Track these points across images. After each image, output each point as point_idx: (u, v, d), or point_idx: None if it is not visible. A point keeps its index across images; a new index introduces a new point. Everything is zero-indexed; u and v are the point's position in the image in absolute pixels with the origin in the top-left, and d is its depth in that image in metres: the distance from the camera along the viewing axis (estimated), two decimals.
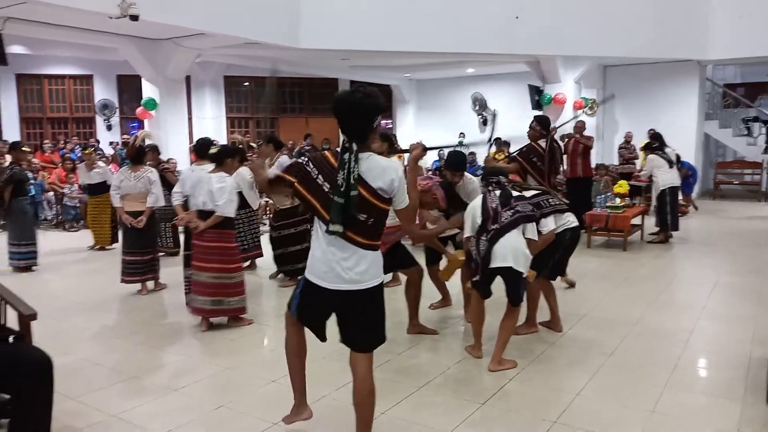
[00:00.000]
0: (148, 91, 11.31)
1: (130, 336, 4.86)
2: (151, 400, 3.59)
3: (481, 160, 14.08)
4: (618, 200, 8.56)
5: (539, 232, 4.12)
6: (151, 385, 3.85)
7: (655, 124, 11.17)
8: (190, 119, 13.44)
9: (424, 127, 16.92)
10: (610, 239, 8.62)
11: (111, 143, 14.55)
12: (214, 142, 5.71)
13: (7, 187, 7.08)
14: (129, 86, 14.87)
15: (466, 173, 4.88)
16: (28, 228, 7.20)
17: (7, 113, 14.74)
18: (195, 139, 12.80)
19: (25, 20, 8.65)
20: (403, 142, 13.82)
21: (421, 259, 4.95)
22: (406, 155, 3.07)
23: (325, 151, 2.73)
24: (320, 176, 2.61)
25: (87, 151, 9.10)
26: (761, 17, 11.75)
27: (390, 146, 6.45)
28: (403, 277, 5.23)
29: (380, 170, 2.60)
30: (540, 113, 9.98)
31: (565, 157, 9.19)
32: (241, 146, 6.65)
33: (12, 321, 3.19)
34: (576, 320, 5.00)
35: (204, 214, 4.84)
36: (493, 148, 13.82)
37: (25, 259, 7.14)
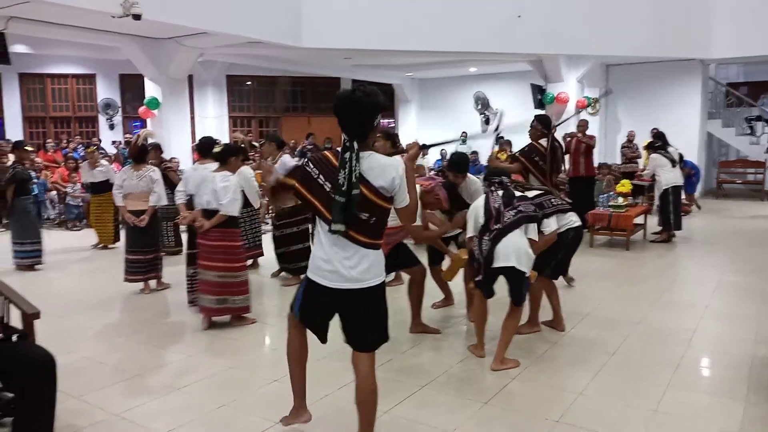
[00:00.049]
0: (151, 90, 11.32)
1: (132, 335, 4.86)
2: (153, 399, 3.60)
3: (483, 159, 14.08)
4: (621, 199, 8.55)
5: (541, 233, 4.12)
6: (154, 384, 3.85)
7: (657, 123, 11.16)
8: (192, 118, 13.48)
9: (427, 126, 16.92)
10: (613, 238, 8.61)
11: (114, 142, 14.57)
12: (217, 141, 5.72)
13: (9, 186, 7.09)
14: (131, 85, 14.90)
15: (468, 174, 4.89)
16: (31, 226, 7.21)
17: (10, 112, 14.79)
18: (197, 138, 12.83)
19: (27, 19, 8.66)
20: (405, 141, 13.83)
21: (423, 258, 4.94)
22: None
23: (326, 151, 2.73)
24: (321, 176, 2.61)
25: (89, 150, 9.11)
26: (765, 16, 11.72)
27: (393, 145, 6.47)
28: (405, 277, 5.22)
29: (381, 169, 2.60)
30: (541, 112, 9.96)
31: (567, 156, 9.20)
32: (242, 145, 6.66)
33: (15, 320, 3.19)
34: (578, 319, 5.00)
35: (208, 213, 4.85)
36: (496, 147, 13.84)
37: (29, 258, 7.15)
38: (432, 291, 5.13)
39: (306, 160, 2.72)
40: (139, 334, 4.88)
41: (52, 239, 8.89)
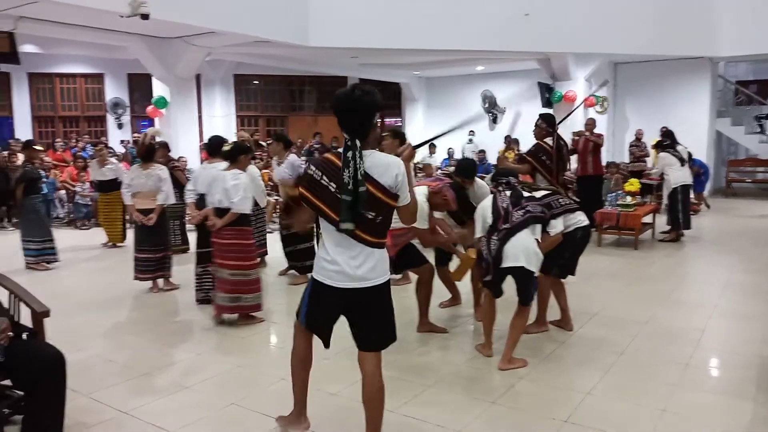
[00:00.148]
0: (159, 89, 11.37)
1: (141, 333, 4.89)
2: (162, 397, 3.62)
3: (491, 159, 14.07)
4: (629, 198, 8.51)
5: (546, 233, 4.11)
6: (162, 382, 3.87)
7: (666, 122, 11.09)
8: (200, 117, 13.51)
9: (434, 125, 16.88)
10: (621, 238, 8.57)
11: (122, 141, 14.65)
12: (226, 141, 5.74)
13: (19, 186, 7.14)
14: (140, 85, 14.96)
15: (476, 179, 4.89)
16: (41, 225, 7.24)
17: (19, 112, 14.89)
18: (205, 137, 12.87)
19: (36, 19, 8.72)
20: (413, 140, 13.82)
21: (431, 258, 4.94)
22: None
23: (327, 153, 2.74)
24: (324, 177, 2.62)
25: (98, 148, 9.16)
26: None
27: (401, 144, 6.47)
28: (413, 276, 5.23)
29: (384, 167, 2.62)
30: (547, 111, 9.93)
31: (575, 155, 9.17)
32: (248, 144, 6.67)
33: (25, 318, 3.22)
34: (586, 319, 4.98)
35: (220, 212, 4.89)
36: (503, 146, 13.81)
37: (41, 256, 7.19)
38: (439, 290, 5.12)
39: (308, 164, 2.73)
40: (148, 332, 4.91)
41: (61, 238, 8.92)
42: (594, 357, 4.19)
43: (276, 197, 9.33)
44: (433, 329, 4.71)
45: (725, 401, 3.52)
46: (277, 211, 9.57)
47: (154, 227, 6.03)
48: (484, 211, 4.09)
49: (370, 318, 2.75)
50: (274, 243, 7.15)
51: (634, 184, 8.92)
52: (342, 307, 2.75)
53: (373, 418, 2.78)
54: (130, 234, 8.42)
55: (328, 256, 2.68)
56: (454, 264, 4.94)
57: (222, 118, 15.92)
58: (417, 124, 17.55)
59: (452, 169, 11.15)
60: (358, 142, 2.56)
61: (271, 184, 9.25)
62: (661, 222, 9.02)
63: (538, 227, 4.02)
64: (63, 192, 11.14)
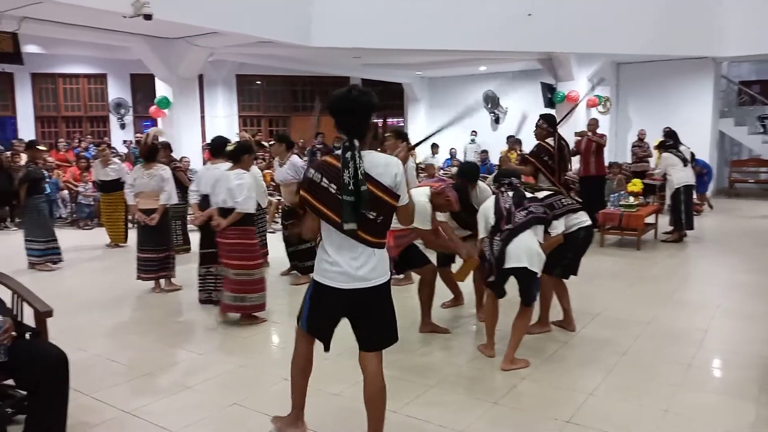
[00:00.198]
0: (162, 89, 11.38)
1: (144, 333, 4.90)
2: (164, 397, 3.62)
3: (494, 160, 14.05)
4: (631, 199, 8.50)
5: (547, 233, 4.11)
6: (165, 382, 3.88)
7: (669, 122, 11.07)
8: (202, 118, 13.53)
9: (436, 125, 16.88)
10: (624, 238, 8.56)
11: (125, 142, 14.67)
12: (229, 141, 5.76)
13: (23, 186, 7.15)
14: (142, 85, 14.98)
15: (479, 182, 4.89)
16: (44, 225, 7.26)
17: (22, 112, 14.92)
18: (207, 137, 12.86)
19: (39, 20, 8.73)
20: (415, 140, 13.79)
21: (433, 258, 4.94)
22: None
23: (325, 156, 2.75)
24: (325, 179, 2.62)
25: (101, 148, 9.18)
26: None
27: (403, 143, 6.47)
28: (416, 276, 5.23)
29: (383, 166, 2.65)
30: (548, 111, 9.92)
31: (578, 155, 9.17)
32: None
33: (28, 318, 3.23)
34: (589, 319, 4.98)
35: (224, 212, 4.90)
36: (506, 147, 13.80)
37: (45, 256, 7.20)
38: (442, 291, 5.12)
39: (307, 167, 2.74)
40: (151, 332, 4.92)
41: (64, 238, 8.94)
42: (596, 357, 4.18)
43: (278, 197, 9.34)
44: (435, 330, 4.71)
45: (728, 402, 3.51)
46: (279, 211, 9.59)
47: (157, 227, 6.04)
48: (486, 211, 4.09)
49: (371, 318, 2.75)
50: (276, 243, 7.15)
51: (636, 185, 8.91)
52: (343, 308, 2.75)
53: (375, 418, 2.78)
54: (132, 234, 8.47)
55: (330, 258, 2.68)
56: (456, 265, 4.94)
57: (224, 119, 15.94)
58: (419, 125, 17.53)
59: (454, 169, 11.16)
60: (356, 142, 2.58)
61: (273, 184, 9.26)
62: (664, 222, 9.00)
63: (541, 228, 4.02)
64: (66, 192, 11.16)
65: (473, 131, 15.94)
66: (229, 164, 5.09)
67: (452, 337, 4.65)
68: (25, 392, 2.92)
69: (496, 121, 16.55)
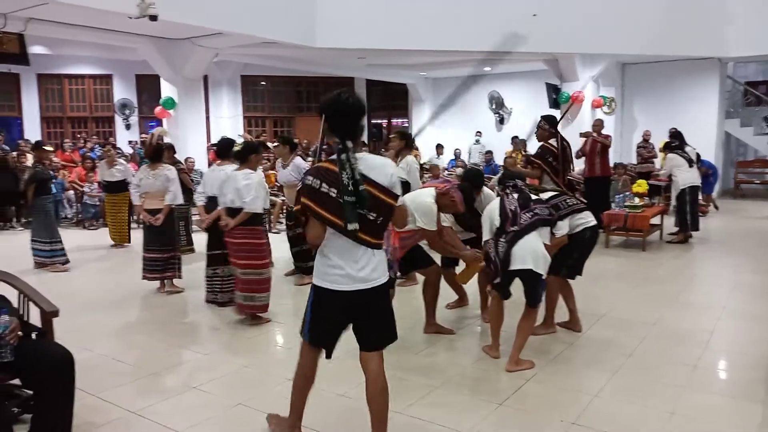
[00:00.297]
0: (167, 90, 11.41)
1: (149, 333, 4.91)
2: (170, 397, 3.63)
3: (498, 160, 14.04)
4: (637, 199, 8.48)
5: (553, 234, 4.10)
6: (170, 382, 3.89)
7: (674, 123, 11.04)
8: (207, 118, 13.54)
9: (441, 125, 16.88)
10: (629, 239, 8.54)
11: (130, 142, 14.70)
12: (235, 142, 5.79)
13: (30, 186, 7.18)
14: (148, 86, 15.02)
15: (484, 188, 4.89)
16: (49, 226, 7.27)
17: (28, 112, 14.97)
18: (212, 138, 12.86)
19: (45, 21, 8.76)
20: (419, 141, 13.80)
21: (437, 260, 4.93)
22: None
23: (321, 162, 2.76)
24: (324, 184, 2.64)
25: (106, 149, 9.21)
26: None
27: (407, 145, 6.48)
28: (420, 277, 5.22)
29: (379, 167, 2.70)
30: (548, 113, 9.92)
31: (583, 156, 9.15)
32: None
33: (35, 317, 3.24)
34: (594, 320, 4.97)
35: (232, 212, 4.92)
36: (510, 148, 13.79)
37: (55, 257, 7.22)
38: (446, 292, 5.12)
39: (305, 175, 2.75)
40: (156, 332, 4.93)
41: (69, 238, 8.98)
42: (602, 358, 4.17)
43: (282, 198, 9.35)
44: (439, 330, 4.71)
45: (734, 403, 3.50)
46: (284, 212, 9.60)
47: (162, 227, 6.05)
48: (491, 213, 4.09)
49: (371, 319, 2.78)
50: (280, 243, 7.16)
51: (641, 186, 8.89)
52: (344, 311, 2.76)
53: (378, 418, 2.79)
54: (135, 234, 8.50)
55: (331, 261, 2.70)
56: (460, 267, 4.93)
57: (229, 119, 15.95)
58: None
59: (459, 170, 11.15)
60: (349, 144, 2.61)
61: (278, 185, 9.27)
62: (669, 223, 8.98)
63: (546, 230, 4.02)
64: (71, 192, 11.20)
65: (478, 132, 15.93)
66: (234, 166, 5.11)
67: (457, 338, 4.65)
68: (31, 392, 2.93)
69: (501, 121, 16.52)
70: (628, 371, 3.95)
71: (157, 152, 6.28)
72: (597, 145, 9.03)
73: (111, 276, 7.12)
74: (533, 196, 4.10)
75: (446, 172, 12.81)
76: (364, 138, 16.71)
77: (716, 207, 11.84)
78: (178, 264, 6.21)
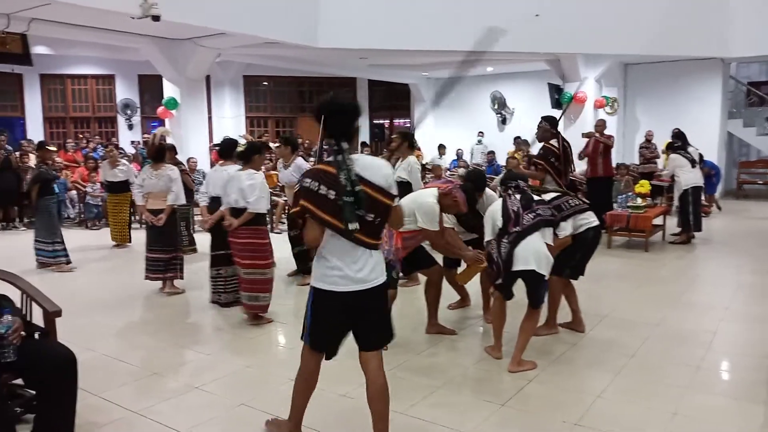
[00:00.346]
0: (169, 90, 11.42)
1: (151, 333, 4.92)
2: (172, 397, 3.63)
3: (500, 161, 14.03)
4: (639, 200, 8.47)
5: (556, 236, 4.10)
6: (173, 383, 3.89)
7: (677, 123, 11.02)
8: (209, 118, 13.55)
9: (443, 126, 16.87)
10: (631, 239, 8.53)
11: (132, 142, 14.72)
12: (238, 143, 5.79)
13: (34, 186, 7.19)
14: (150, 86, 15.02)
15: (486, 190, 4.88)
16: (51, 226, 7.28)
17: (31, 113, 15.00)
18: (215, 138, 12.87)
19: (48, 21, 8.78)
20: (422, 141, 13.79)
21: (439, 260, 4.93)
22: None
23: (318, 165, 2.77)
24: (322, 186, 2.64)
25: (108, 149, 9.22)
26: None
27: (410, 145, 6.48)
28: (422, 278, 5.22)
29: (376, 168, 2.72)
30: (548, 114, 9.91)
31: (585, 157, 9.14)
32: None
33: (37, 317, 3.24)
34: (597, 321, 4.96)
35: (236, 212, 4.93)
36: (512, 148, 13.78)
37: (54, 257, 7.22)
38: (448, 292, 5.12)
39: (302, 178, 2.77)
40: (158, 332, 4.93)
41: (72, 238, 8.99)
42: (604, 359, 4.17)
43: (284, 198, 9.35)
44: (442, 331, 4.71)
45: (737, 404, 3.49)
46: (286, 212, 9.60)
47: (164, 228, 6.05)
48: (494, 214, 4.08)
49: (369, 319, 2.80)
50: (282, 244, 7.15)
51: (644, 186, 8.88)
52: (343, 313, 2.76)
53: (379, 417, 2.79)
54: (136, 235, 8.51)
55: (330, 263, 2.71)
56: (462, 267, 4.93)
57: (231, 119, 15.97)
58: (426, 126, 17.51)
59: (461, 170, 11.14)
60: (344, 144, 2.63)
61: (280, 185, 9.28)
62: (672, 224, 8.96)
63: (549, 231, 4.02)
64: (74, 192, 11.22)
65: (480, 132, 15.92)
66: (237, 166, 5.12)
67: (459, 339, 4.65)
68: (33, 392, 2.94)
69: (503, 121, 16.51)
70: (630, 372, 3.95)
71: (159, 152, 6.29)
72: (599, 145, 9.02)
73: (113, 276, 7.13)
74: (536, 197, 4.10)
75: (448, 172, 12.81)
76: (366, 138, 16.79)
77: (719, 207, 11.82)
78: (180, 264, 6.22)
